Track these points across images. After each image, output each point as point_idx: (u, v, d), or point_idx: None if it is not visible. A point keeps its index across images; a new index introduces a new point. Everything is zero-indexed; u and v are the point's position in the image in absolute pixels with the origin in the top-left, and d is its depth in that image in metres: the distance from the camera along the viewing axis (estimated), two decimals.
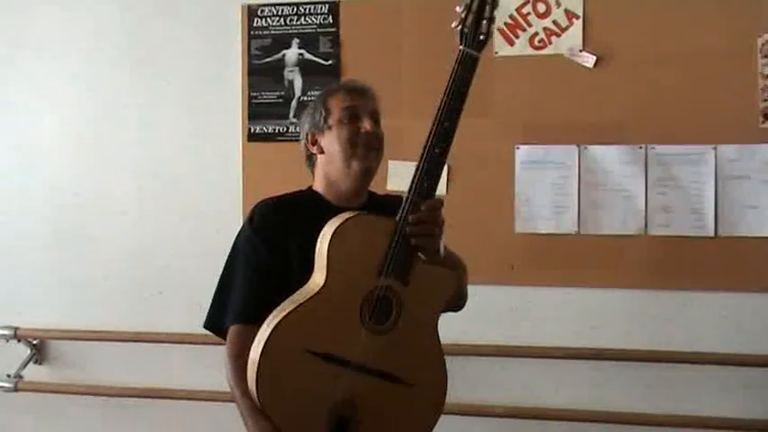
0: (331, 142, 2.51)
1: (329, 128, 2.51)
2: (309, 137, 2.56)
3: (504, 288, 3.66)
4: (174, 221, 4.03)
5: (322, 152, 2.54)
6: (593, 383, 3.62)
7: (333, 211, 2.44)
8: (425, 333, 2.30)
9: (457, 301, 2.56)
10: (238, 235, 2.58)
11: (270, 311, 2.29)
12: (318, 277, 2.28)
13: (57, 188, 4.16)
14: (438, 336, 2.33)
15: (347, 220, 2.29)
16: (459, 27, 2.37)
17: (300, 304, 2.24)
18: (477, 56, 2.36)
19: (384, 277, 2.25)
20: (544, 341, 3.64)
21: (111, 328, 4.05)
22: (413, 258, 2.27)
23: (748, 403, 3.50)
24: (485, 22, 2.37)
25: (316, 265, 2.31)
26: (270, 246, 2.47)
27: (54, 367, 4.19)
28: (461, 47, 2.37)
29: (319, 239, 2.31)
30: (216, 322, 2.54)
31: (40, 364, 4.18)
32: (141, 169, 4.07)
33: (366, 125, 2.49)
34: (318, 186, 2.58)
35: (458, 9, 2.38)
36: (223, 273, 2.58)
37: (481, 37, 2.37)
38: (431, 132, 2.36)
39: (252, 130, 3.90)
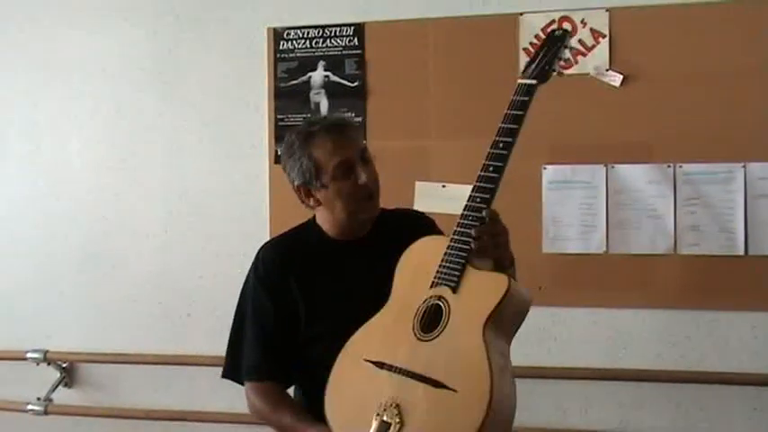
0: (330, 199, 2.44)
1: (324, 186, 2.42)
2: (301, 189, 2.47)
3: (532, 309, 3.54)
4: (202, 244, 4.04)
5: (319, 204, 2.48)
6: (623, 405, 3.59)
7: (337, 247, 2.48)
8: (471, 339, 2.16)
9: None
10: (247, 278, 2.58)
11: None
12: (390, 297, 2.34)
13: (84, 212, 4.18)
14: (491, 343, 2.15)
15: (414, 243, 2.34)
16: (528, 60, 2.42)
17: (368, 322, 2.31)
18: (533, 83, 2.40)
19: (434, 288, 2.24)
20: (573, 362, 3.61)
21: (140, 351, 4.06)
22: (465, 267, 2.23)
23: None
24: (552, 56, 2.42)
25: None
26: (275, 294, 2.46)
27: (83, 390, 4.21)
28: (521, 79, 2.40)
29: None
30: (234, 374, 2.56)
31: (70, 387, 4.21)
32: (168, 192, 4.09)
33: (362, 177, 2.41)
34: (321, 222, 2.53)
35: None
36: (234, 320, 2.58)
37: (546, 67, 2.40)
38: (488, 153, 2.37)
39: (278, 153, 3.87)
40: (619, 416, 3.58)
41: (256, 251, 2.57)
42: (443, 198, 3.63)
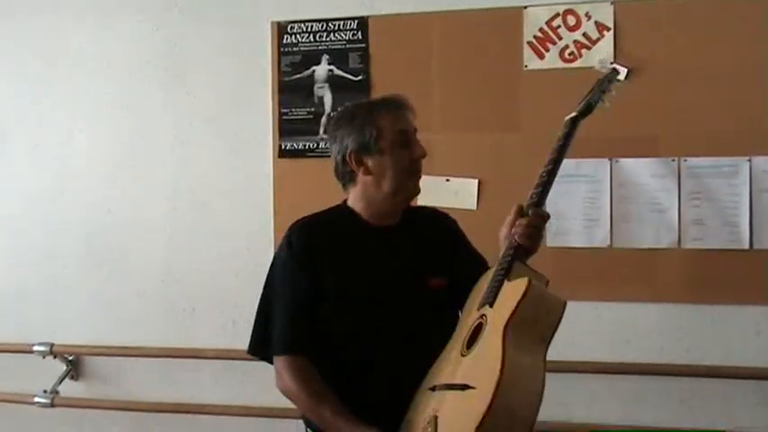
0: (383, 166, 2.47)
1: (380, 151, 2.46)
2: (353, 155, 2.48)
3: None
4: (206, 239, 4.04)
5: (368, 173, 2.49)
6: (627, 399, 3.59)
7: (368, 231, 2.50)
8: (493, 341, 2.20)
9: None
10: (276, 257, 2.58)
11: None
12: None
13: (90, 207, 4.19)
14: (512, 341, 2.19)
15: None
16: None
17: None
18: (576, 117, 2.58)
19: (480, 309, 2.34)
20: (576, 356, 3.59)
21: (145, 345, 4.07)
22: (502, 283, 2.32)
23: None
24: (599, 93, 2.61)
25: None
26: (307, 270, 2.46)
27: (89, 383, 4.22)
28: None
29: None
30: (260, 350, 2.54)
31: (76, 380, 4.22)
32: (173, 187, 4.09)
33: (420, 150, 2.49)
34: (355, 204, 2.55)
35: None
36: (263, 296, 2.57)
37: (591, 103, 2.60)
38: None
39: (282, 147, 3.91)
40: (622, 410, 3.57)
41: (281, 228, 2.63)
42: (448, 192, 3.64)
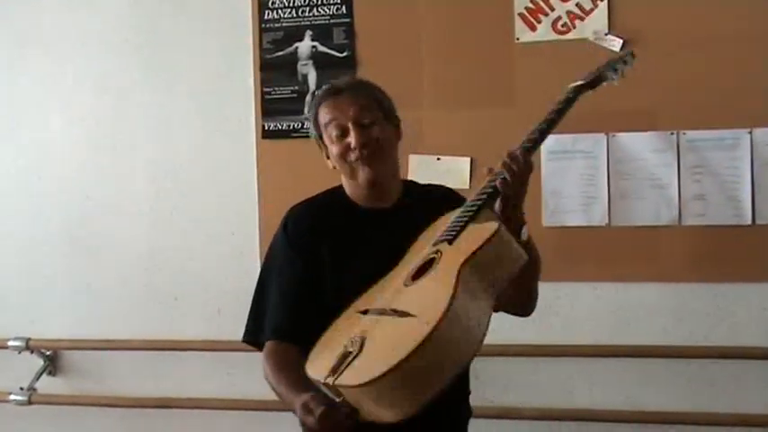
0: (332, 158, 2.50)
1: (325, 145, 2.50)
2: (317, 143, 2.55)
3: None
4: (189, 224, 3.96)
5: (329, 159, 2.53)
6: (629, 382, 3.52)
7: (361, 214, 2.47)
8: (445, 277, 2.11)
9: (523, 300, 2.55)
10: (273, 241, 2.56)
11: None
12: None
13: (67, 191, 4.11)
14: (465, 281, 2.08)
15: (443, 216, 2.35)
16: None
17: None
18: (582, 84, 2.57)
19: (436, 245, 2.24)
20: (576, 339, 3.53)
21: (126, 337, 3.98)
22: (467, 224, 2.23)
23: None
24: (609, 68, 2.64)
25: None
26: (304, 254, 2.44)
27: (68, 378, 4.14)
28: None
29: None
30: (254, 336, 2.50)
31: (54, 375, 4.13)
32: (154, 170, 4.01)
33: (351, 140, 2.42)
34: (346, 187, 2.54)
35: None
36: (258, 282, 2.55)
37: (599, 75, 2.62)
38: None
39: (266, 127, 3.83)
40: (624, 393, 3.51)
41: (284, 214, 2.54)
42: (438, 171, 3.55)
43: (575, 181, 3.53)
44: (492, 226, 2.17)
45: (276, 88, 3.81)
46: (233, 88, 3.87)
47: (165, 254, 3.99)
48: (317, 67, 3.77)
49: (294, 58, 3.79)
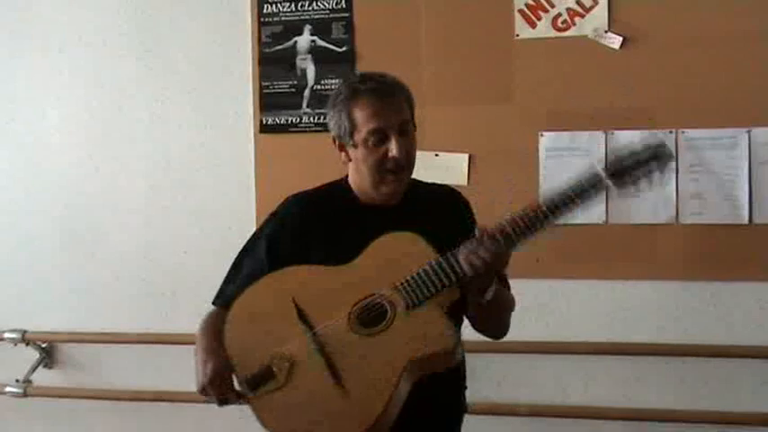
0: (358, 160, 2.37)
1: (354, 145, 2.35)
2: (335, 141, 2.42)
3: (529, 282, 3.47)
4: (186, 219, 3.95)
5: (350, 160, 2.40)
6: (625, 380, 3.52)
7: (363, 210, 2.42)
8: (388, 366, 2.20)
9: (493, 333, 2.55)
10: (264, 221, 2.55)
11: None
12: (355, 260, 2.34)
13: (64, 187, 4.09)
14: (404, 379, 2.21)
15: (408, 233, 2.31)
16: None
17: (321, 265, 2.33)
18: (605, 180, 2.30)
19: (394, 290, 2.24)
20: (572, 336, 3.53)
21: (122, 330, 3.98)
22: (433, 296, 2.23)
23: None
24: (642, 174, 2.29)
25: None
26: (276, 244, 2.43)
27: (64, 371, 4.13)
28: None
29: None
30: (214, 300, 2.55)
31: (50, 368, 4.12)
32: (151, 165, 4.00)
33: (394, 150, 2.31)
34: (352, 182, 2.46)
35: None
36: (239, 253, 2.55)
37: (628, 178, 2.29)
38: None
39: (264, 122, 3.82)
40: (621, 391, 3.51)
41: (262, 205, 2.70)
42: (437, 167, 3.53)
43: (572, 178, 3.51)
44: (449, 342, 2.20)
45: (274, 83, 3.79)
46: (231, 82, 3.85)
47: (162, 248, 3.98)
48: (316, 61, 3.75)
49: (293, 52, 3.77)
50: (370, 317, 2.24)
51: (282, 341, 2.28)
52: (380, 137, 2.32)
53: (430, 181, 2.57)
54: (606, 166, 2.29)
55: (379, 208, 2.41)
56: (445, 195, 2.55)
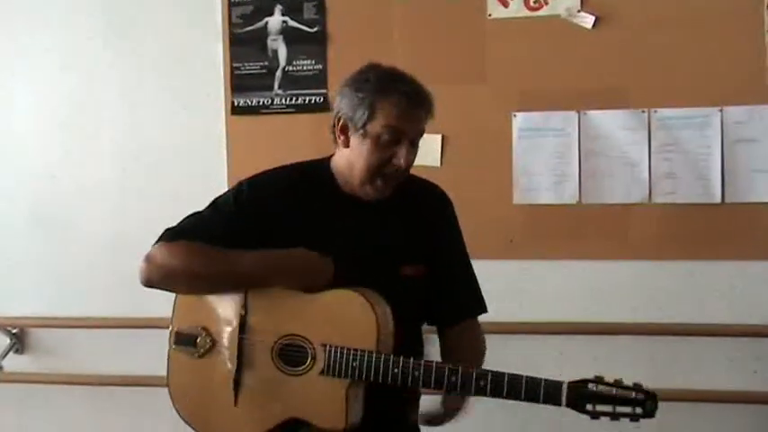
0: (358, 150, 2.26)
1: (364, 134, 2.23)
2: (341, 121, 2.28)
3: (502, 263, 3.53)
4: (158, 202, 3.88)
5: (347, 146, 2.29)
6: (599, 360, 3.50)
7: (341, 199, 2.33)
8: (277, 409, 2.24)
9: None
10: (225, 195, 2.45)
11: None
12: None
13: (33, 172, 4.05)
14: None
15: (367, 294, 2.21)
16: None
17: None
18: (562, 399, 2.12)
19: (323, 350, 2.19)
20: (546, 317, 3.54)
21: (94, 315, 3.94)
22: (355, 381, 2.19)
23: (759, 376, 3.40)
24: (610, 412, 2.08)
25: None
26: (243, 222, 2.33)
27: (35, 356, 4.09)
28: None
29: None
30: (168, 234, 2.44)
31: (21, 353, 4.09)
32: (121, 149, 3.96)
33: (401, 158, 2.23)
34: (336, 166, 2.35)
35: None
36: (208, 206, 2.47)
37: (588, 406, 2.09)
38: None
39: (235, 103, 3.79)
40: (594, 371, 3.42)
41: (247, 178, 2.42)
42: None
43: (545, 159, 3.52)
44: (338, 424, 2.18)
45: (246, 64, 3.76)
46: (201, 64, 3.82)
47: (133, 232, 3.84)
48: (288, 42, 3.72)
49: (264, 33, 3.74)
50: (291, 356, 2.23)
51: (217, 322, 2.31)
52: (394, 138, 2.22)
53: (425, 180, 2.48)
54: (575, 386, 2.13)
55: (360, 200, 2.31)
56: (430, 195, 2.46)
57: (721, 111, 3.37)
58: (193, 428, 2.39)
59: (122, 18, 3.92)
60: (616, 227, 3.49)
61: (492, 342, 3.54)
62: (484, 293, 2.50)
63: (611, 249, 3.49)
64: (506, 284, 3.52)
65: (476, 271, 2.51)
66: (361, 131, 2.23)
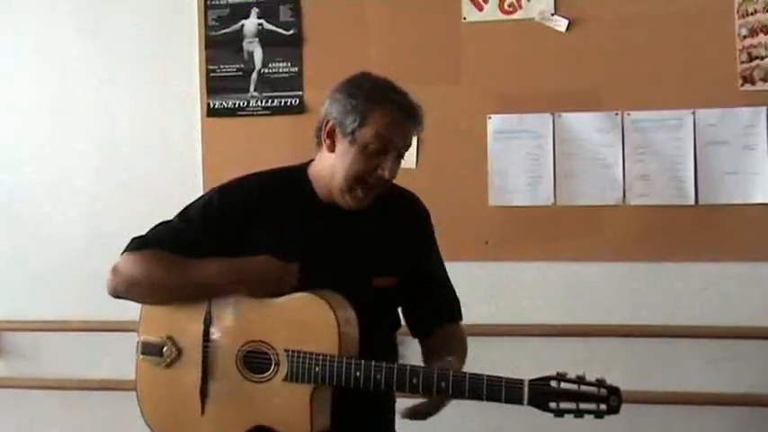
0: (344, 156, 2.24)
1: (352, 141, 2.22)
2: (328, 125, 2.26)
3: (478, 264, 3.54)
4: (133, 203, 3.87)
5: (332, 151, 2.27)
6: (574, 361, 3.35)
7: (316, 207, 2.31)
8: (244, 416, 2.24)
9: None
10: (196, 202, 2.42)
11: None
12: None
13: (7, 168, 4.02)
14: None
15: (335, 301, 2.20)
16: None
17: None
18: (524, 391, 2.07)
19: (286, 356, 2.18)
20: (522, 319, 3.54)
21: (68, 318, 3.91)
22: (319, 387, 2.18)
23: (733, 377, 3.42)
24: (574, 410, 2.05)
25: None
26: (209, 236, 2.30)
27: (8, 360, 4.04)
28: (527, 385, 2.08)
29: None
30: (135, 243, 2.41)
31: None
32: (97, 149, 3.93)
33: (385, 168, 2.22)
34: (314, 172, 2.34)
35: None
36: (178, 214, 2.43)
37: (551, 404, 2.05)
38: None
39: (211, 105, 3.78)
40: (572, 372, 3.47)
41: (219, 186, 2.41)
42: None
43: (520, 160, 3.53)
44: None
45: (221, 66, 3.75)
46: (177, 65, 3.81)
47: (107, 233, 3.84)
48: (264, 44, 3.72)
49: (240, 35, 3.74)
50: (255, 362, 2.22)
51: (182, 331, 2.30)
52: (382, 148, 2.21)
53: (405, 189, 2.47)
54: (536, 384, 2.08)
55: (337, 209, 2.29)
56: (408, 206, 2.44)
57: (694, 113, 3.39)
58: None
59: (98, 19, 3.90)
60: (591, 228, 3.49)
61: (470, 344, 3.55)
62: (460, 295, 2.50)
63: (586, 250, 3.50)
64: (482, 286, 3.53)
65: (451, 273, 2.50)
66: (350, 138, 2.22)
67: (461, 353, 2.39)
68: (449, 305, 2.47)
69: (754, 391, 3.39)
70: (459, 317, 2.49)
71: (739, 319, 3.40)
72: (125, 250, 2.40)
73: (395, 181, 2.34)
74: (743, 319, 3.40)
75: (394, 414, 2.42)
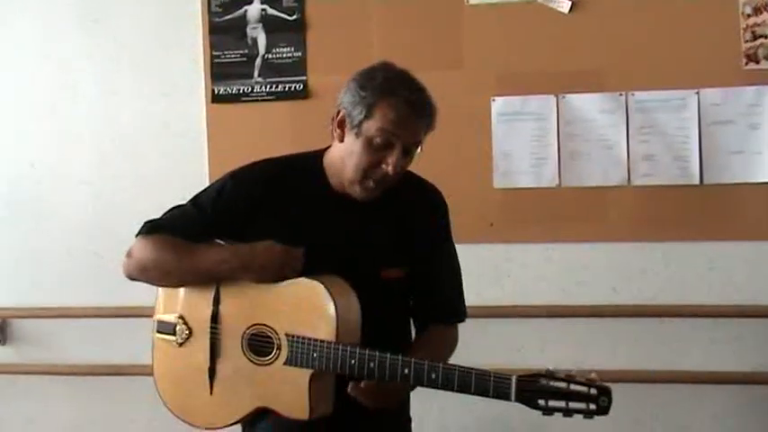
0: (350, 148, 2.22)
1: (357, 133, 2.19)
2: (339, 115, 2.24)
3: (483, 246, 3.55)
4: (138, 190, 3.88)
5: (342, 141, 2.25)
6: (579, 341, 3.54)
7: (328, 196, 2.31)
8: (247, 398, 2.28)
9: None
10: (212, 186, 2.45)
11: None
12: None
13: (12, 160, 4.02)
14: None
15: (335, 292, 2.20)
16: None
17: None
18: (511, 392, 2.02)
19: (287, 340, 2.21)
20: (527, 300, 3.55)
21: (75, 304, 3.91)
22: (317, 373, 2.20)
23: (738, 356, 3.43)
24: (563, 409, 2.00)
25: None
26: (228, 210, 2.33)
27: (18, 347, 4.06)
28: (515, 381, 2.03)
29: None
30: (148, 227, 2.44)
31: (3, 344, 4.06)
32: (101, 137, 3.93)
33: (390, 164, 2.18)
34: (330, 161, 2.32)
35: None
36: (190, 200, 2.45)
37: (540, 402, 2.00)
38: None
39: (215, 91, 3.77)
40: (575, 353, 3.53)
41: (215, 176, 2.49)
42: None
43: (525, 142, 3.52)
44: (302, 413, 2.19)
45: (225, 52, 3.74)
46: (181, 52, 3.80)
47: (113, 221, 3.88)
48: (267, 30, 3.71)
49: (243, 21, 3.73)
50: (259, 346, 2.25)
51: (193, 312, 2.35)
52: (386, 143, 2.18)
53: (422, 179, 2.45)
54: (524, 381, 2.02)
55: (348, 198, 2.28)
56: (424, 198, 2.42)
57: (698, 93, 3.39)
58: (174, 414, 2.41)
59: (100, 7, 3.89)
60: (595, 209, 3.50)
61: (473, 325, 3.55)
62: (465, 276, 2.48)
63: (590, 231, 3.51)
64: (487, 267, 3.55)
65: (457, 254, 2.49)
66: (356, 130, 2.20)
67: (438, 355, 2.24)
68: (449, 307, 2.43)
69: (759, 370, 3.40)
70: (457, 321, 2.45)
71: (744, 298, 3.40)
72: (139, 233, 2.43)
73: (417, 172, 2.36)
74: (748, 299, 3.40)
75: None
